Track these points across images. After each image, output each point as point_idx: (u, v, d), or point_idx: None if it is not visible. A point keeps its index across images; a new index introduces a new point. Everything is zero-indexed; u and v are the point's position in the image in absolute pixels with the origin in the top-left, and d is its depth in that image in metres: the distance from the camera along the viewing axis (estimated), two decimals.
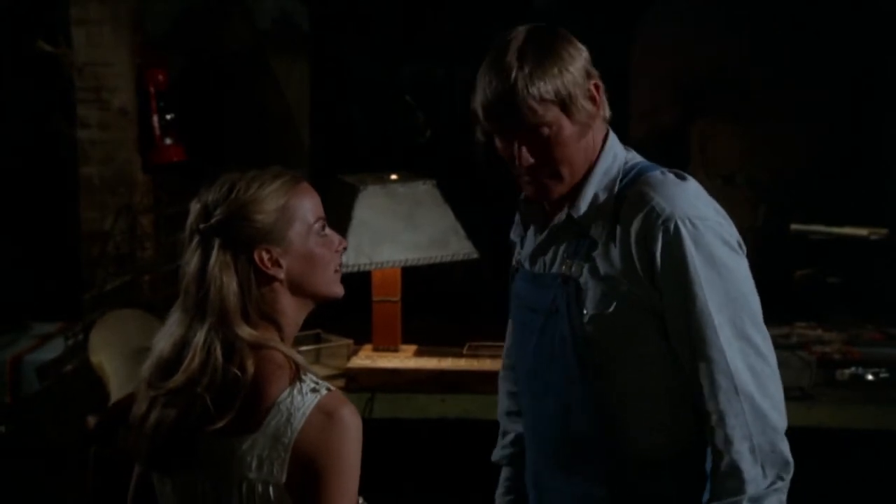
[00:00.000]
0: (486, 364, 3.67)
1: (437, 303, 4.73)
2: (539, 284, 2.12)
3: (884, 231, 5.43)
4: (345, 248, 1.90)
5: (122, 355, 3.69)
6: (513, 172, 2.08)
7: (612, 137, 2.13)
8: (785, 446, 1.99)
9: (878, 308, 4.64)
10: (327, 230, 1.87)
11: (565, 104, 2.00)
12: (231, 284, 1.75)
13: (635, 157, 2.15)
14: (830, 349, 3.78)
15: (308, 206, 1.84)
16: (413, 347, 3.95)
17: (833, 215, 6.54)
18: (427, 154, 6.09)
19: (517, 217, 2.29)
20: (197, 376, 1.70)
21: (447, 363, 3.72)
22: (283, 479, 1.66)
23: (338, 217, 3.79)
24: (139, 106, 4.87)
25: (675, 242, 1.93)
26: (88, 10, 4.79)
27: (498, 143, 2.07)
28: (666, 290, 1.95)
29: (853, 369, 3.47)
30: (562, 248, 2.08)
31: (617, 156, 2.11)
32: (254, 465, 1.67)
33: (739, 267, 1.98)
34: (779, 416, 2.00)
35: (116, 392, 3.56)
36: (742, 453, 1.93)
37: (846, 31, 6.57)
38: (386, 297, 3.94)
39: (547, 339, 2.07)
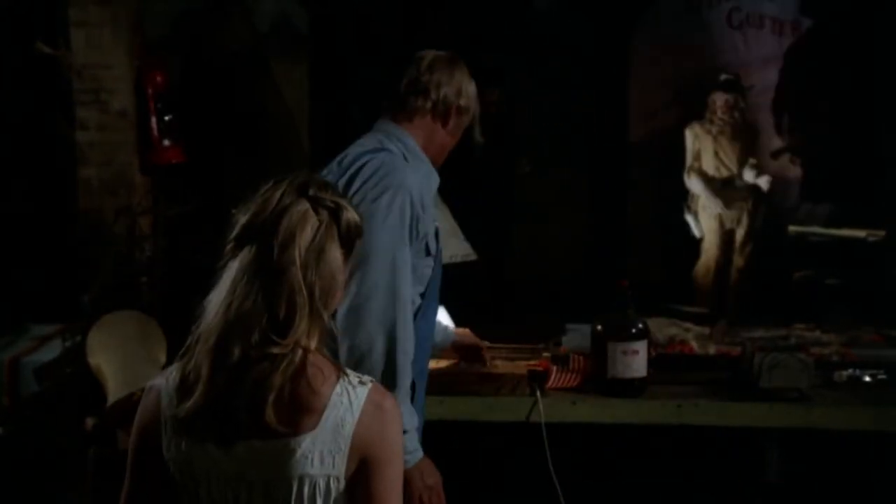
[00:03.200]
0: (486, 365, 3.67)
1: None
2: None
3: (881, 233, 5.43)
4: None
5: (120, 357, 3.70)
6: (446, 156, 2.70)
7: None
8: None
9: (876, 309, 4.63)
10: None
11: None
12: (339, 270, 1.72)
13: None
14: (828, 351, 3.77)
15: None
16: None
17: (832, 216, 6.55)
18: None
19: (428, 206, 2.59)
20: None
21: (446, 364, 3.71)
22: (344, 471, 1.68)
23: None
24: (138, 107, 4.87)
25: None
26: (88, 12, 4.79)
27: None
28: None
29: (851, 371, 3.46)
30: None
31: None
32: (315, 461, 1.67)
33: None
34: None
35: (114, 393, 3.56)
36: None
37: (846, 31, 6.58)
38: None
39: None
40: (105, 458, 3.37)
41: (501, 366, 3.56)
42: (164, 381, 1.73)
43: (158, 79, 4.88)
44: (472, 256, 4.07)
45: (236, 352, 1.64)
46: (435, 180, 2.67)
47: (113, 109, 4.83)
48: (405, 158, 2.58)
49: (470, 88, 2.69)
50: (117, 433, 3.43)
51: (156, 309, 4.27)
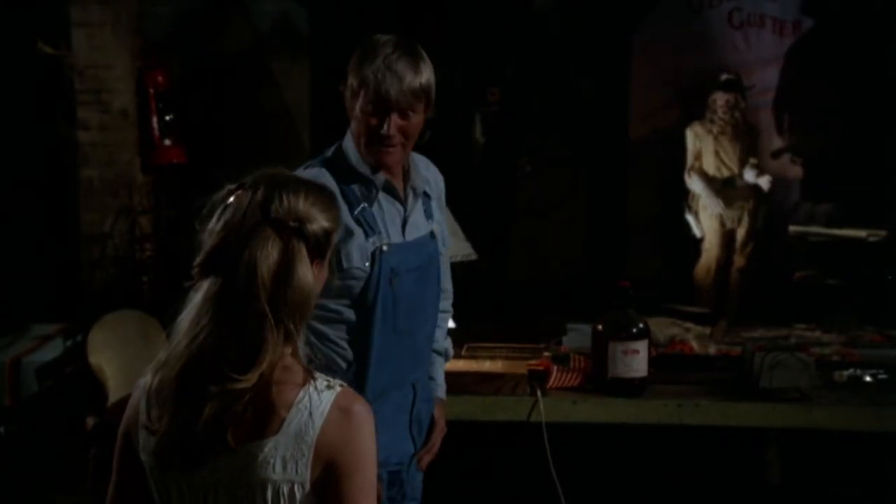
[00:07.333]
0: (485, 365, 3.67)
1: None
2: (417, 248, 2.51)
3: (882, 233, 5.43)
4: None
5: (121, 356, 3.70)
6: (372, 142, 2.48)
7: None
8: None
9: (877, 309, 4.63)
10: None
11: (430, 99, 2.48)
12: (310, 285, 1.68)
13: None
14: (829, 351, 3.77)
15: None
16: None
17: (833, 216, 6.56)
18: (426, 155, 6.09)
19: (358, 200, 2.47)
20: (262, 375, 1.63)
21: (445, 364, 3.71)
22: (308, 477, 1.66)
23: None
24: (139, 108, 4.87)
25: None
26: (89, 13, 4.79)
27: (371, 117, 2.48)
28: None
29: (851, 371, 3.46)
30: (421, 213, 2.55)
31: None
32: (277, 466, 1.66)
33: None
34: None
35: (115, 393, 3.56)
36: None
37: (847, 32, 6.58)
38: None
39: (427, 291, 2.55)
40: (106, 458, 3.36)
41: (502, 365, 3.56)
42: (145, 382, 1.74)
43: (159, 79, 4.89)
44: (473, 256, 4.07)
45: (198, 386, 1.64)
46: (372, 184, 2.50)
47: (114, 109, 4.83)
48: (334, 167, 2.51)
49: (361, 65, 2.52)
50: (118, 433, 3.42)
51: (156, 309, 4.28)
